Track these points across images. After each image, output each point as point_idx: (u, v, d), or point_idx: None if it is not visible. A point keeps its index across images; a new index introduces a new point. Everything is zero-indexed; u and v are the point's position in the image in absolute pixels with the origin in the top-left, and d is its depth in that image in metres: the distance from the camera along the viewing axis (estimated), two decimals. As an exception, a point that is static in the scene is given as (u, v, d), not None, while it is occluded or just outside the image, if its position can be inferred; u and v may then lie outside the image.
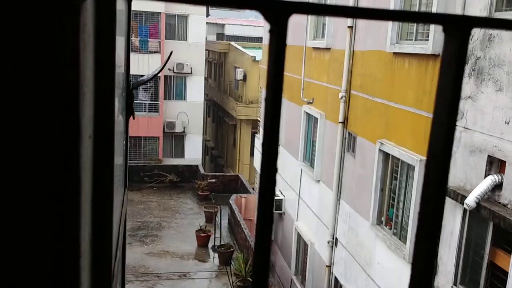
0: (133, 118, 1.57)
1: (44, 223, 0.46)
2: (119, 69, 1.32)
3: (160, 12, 25.56)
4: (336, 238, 10.96)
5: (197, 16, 26.56)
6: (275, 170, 0.47)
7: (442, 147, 0.51)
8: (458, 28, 0.51)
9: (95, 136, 0.62)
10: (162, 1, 0.44)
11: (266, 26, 0.49)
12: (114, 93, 0.71)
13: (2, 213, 0.46)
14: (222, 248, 16.61)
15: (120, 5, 1.16)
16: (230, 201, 19.35)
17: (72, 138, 0.47)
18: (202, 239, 17.66)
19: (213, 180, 23.06)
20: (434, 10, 7.33)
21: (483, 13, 6.36)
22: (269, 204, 0.49)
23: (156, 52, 25.66)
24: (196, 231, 17.87)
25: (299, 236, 13.30)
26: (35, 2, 0.43)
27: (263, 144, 0.48)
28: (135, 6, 24.92)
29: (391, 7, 8.55)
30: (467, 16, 0.51)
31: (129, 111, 1.50)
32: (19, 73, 0.44)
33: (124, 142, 1.47)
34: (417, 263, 0.54)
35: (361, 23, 10.02)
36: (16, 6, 0.43)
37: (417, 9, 8.10)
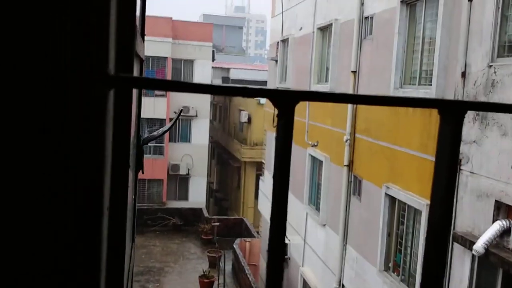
0: (143, 172, 1.60)
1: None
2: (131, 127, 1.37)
3: (166, 57, 26.12)
4: (343, 285, 10.74)
5: (203, 60, 27.10)
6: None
7: (440, 229, 0.54)
8: (453, 112, 0.55)
9: (110, 207, 0.65)
10: (174, 91, 0.48)
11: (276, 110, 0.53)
12: (128, 163, 0.76)
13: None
14: (226, 294, 16.27)
15: (136, 70, 1.22)
16: (234, 246, 19.09)
17: (95, 210, 0.50)
18: (206, 285, 17.32)
19: (217, 224, 22.84)
20: (436, 56, 7.48)
21: (485, 60, 6.47)
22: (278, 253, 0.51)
23: (162, 95, 26.06)
24: (199, 276, 17.56)
25: (305, 283, 13.05)
26: (74, 96, 0.47)
27: (271, 227, 0.51)
28: (142, 51, 25.47)
29: (394, 55, 8.73)
30: (461, 101, 0.55)
31: (138, 166, 1.54)
32: (56, 153, 0.48)
33: (133, 197, 1.50)
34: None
35: (364, 68, 10.20)
36: (55, 94, 0.47)
37: (419, 56, 8.26)
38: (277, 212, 0.50)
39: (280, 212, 0.50)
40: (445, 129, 0.56)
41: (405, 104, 0.56)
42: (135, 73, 1.23)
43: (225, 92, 0.50)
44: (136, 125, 1.49)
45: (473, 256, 6.30)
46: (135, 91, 1.24)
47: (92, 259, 0.48)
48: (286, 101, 0.49)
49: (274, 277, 0.49)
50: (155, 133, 2.47)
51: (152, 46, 25.37)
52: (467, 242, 6.26)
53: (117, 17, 0.65)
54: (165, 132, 2.67)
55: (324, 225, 11.93)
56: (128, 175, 0.76)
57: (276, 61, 16.44)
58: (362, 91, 10.22)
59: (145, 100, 25.13)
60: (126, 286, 1.16)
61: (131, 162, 1.37)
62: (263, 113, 18.25)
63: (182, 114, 26.60)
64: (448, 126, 0.56)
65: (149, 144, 26.35)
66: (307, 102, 13.26)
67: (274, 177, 0.52)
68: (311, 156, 12.94)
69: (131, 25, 0.72)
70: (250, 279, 16.12)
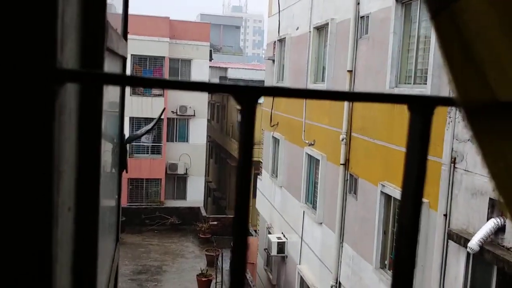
0: (126, 172, 1.59)
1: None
2: (113, 125, 1.36)
3: (164, 57, 26.08)
4: (340, 282, 10.75)
5: (200, 60, 27.08)
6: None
7: (410, 226, 0.52)
8: (422, 107, 0.54)
9: (77, 207, 0.64)
10: (131, 85, 0.47)
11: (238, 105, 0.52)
12: (99, 167, 0.74)
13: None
14: (224, 293, 16.28)
15: (114, 67, 1.20)
16: (232, 244, 19.08)
17: (44, 212, 0.48)
18: (203, 284, 17.34)
19: (215, 223, 22.86)
20: (431, 55, 7.48)
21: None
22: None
23: (159, 95, 26.03)
24: (197, 275, 17.57)
25: (302, 280, 13.05)
26: (8, 89, 0.45)
27: (234, 219, 0.50)
28: (139, 51, 25.41)
29: (389, 55, 8.72)
30: (430, 96, 0.54)
31: (122, 165, 1.52)
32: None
33: (117, 197, 1.49)
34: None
35: (360, 67, 10.20)
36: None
37: (414, 55, 8.25)
38: (240, 203, 0.49)
39: (242, 203, 0.49)
40: (415, 125, 0.54)
41: (373, 100, 0.55)
42: (114, 71, 1.22)
43: (184, 87, 0.48)
44: (120, 124, 1.48)
45: (468, 253, 6.30)
46: (113, 89, 1.22)
47: (41, 261, 0.47)
48: (247, 97, 0.48)
49: (239, 262, 0.48)
50: (139, 132, 2.47)
51: (150, 45, 25.35)
52: (462, 240, 6.27)
53: (82, 13, 0.64)
54: (148, 131, 2.68)
55: (321, 223, 11.94)
56: (99, 173, 0.74)
57: (274, 60, 16.42)
58: (358, 90, 10.21)
59: (142, 99, 25.20)
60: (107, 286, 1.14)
61: (113, 161, 1.36)
62: (260, 112, 18.24)
63: (180, 113, 26.59)
64: (417, 122, 0.54)
65: (146, 144, 26.33)
66: (303, 102, 13.25)
67: (237, 170, 0.51)
68: (308, 155, 12.94)
69: (100, 22, 0.71)
70: (247, 277, 16.12)
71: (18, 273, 0.46)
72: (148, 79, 0.49)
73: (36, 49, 0.44)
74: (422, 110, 0.53)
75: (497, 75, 0.47)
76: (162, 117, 25.61)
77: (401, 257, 0.55)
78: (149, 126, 2.63)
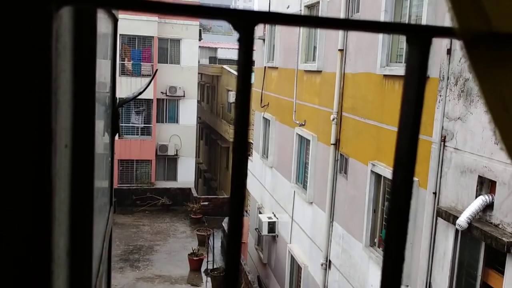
0: (119, 136, 1.58)
1: (13, 229, 0.47)
2: (105, 87, 1.34)
3: (153, 36, 25.79)
4: (330, 261, 10.89)
5: (189, 40, 26.82)
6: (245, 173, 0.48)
7: (407, 155, 0.53)
8: (420, 38, 0.53)
9: (73, 145, 0.63)
10: (142, 12, 0.46)
11: (236, 35, 0.51)
12: (94, 102, 0.73)
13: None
14: (215, 272, 16.42)
15: (106, 28, 1.18)
16: (223, 224, 19.22)
17: (43, 145, 0.48)
18: (195, 263, 17.47)
19: (206, 203, 22.95)
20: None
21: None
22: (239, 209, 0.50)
23: (148, 75, 25.79)
24: (189, 254, 17.70)
25: (292, 259, 13.20)
26: (3, 10, 0.44)
27: (234, 150, 0.50)
28: (128, 31, 25.07)
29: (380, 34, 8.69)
30: (428, 26, 0.54)
31: (115, 129, 1.51)
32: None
33: (110, 159, 1.48)
34: (386, 270, 0.54)
35: (352, 46, 10.17)
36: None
37: (404, 40, 8.23)
38: (239, 156, 0.49)
39: (241, 154, 0.48)
40: (413, 58, 0.54)
41: (370, 29, 0.55)
42: (109, 32, 1.20)
43: (177, 12, 0.47)
44: (112, 84, 1.46)
45: (456, 230, 6.40)
46: (108, 40, 1.20)
47: (40, 216, 0.46)
48: (245, 22, 0.47)
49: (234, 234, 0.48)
50: (131, 95, 2.46)
51: (138, 25, 25.02)
52: (451, 217, 6.35)
53: None
54: (140, 93, 2.68)
55: (311, 203, 12.02)
56: (94, 107, 0.73)
57: (264, 40, 16.31)
58: (350, 70, 10.20)
59: (131, 80, 24.97)
60: (102, 244, 1.15)
61: (106, 121, 1.35)
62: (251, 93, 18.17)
63: (169, 94, 26.42)
64: (415, 55, 0.54)
65: (136, 125, 26.19)
66: (295, 82, 13.22)
67: (235, 106, 0.51)
68: (299, 135, 12.96)
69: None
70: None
71: (18, 199, 0.46)
72: (141, 1, 0.48)
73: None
74: (420, 40, 0.53)
75: (492, 4, 0.48)
76: (152, 97, 25.45)
77: (393, 225, 0.54)
78: (142, 89, 2.62)
